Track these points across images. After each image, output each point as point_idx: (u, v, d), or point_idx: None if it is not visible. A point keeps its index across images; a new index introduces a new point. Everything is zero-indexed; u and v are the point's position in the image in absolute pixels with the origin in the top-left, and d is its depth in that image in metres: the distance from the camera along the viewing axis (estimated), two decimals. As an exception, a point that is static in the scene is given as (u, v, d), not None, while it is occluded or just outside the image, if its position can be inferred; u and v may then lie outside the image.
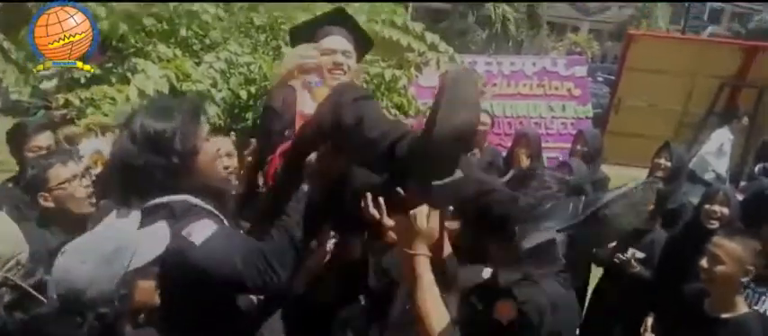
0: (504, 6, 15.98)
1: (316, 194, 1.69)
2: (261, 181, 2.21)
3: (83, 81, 3.34)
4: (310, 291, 2.17)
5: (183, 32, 3.60)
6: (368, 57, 4.38)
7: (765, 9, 30.89)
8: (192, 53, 3.59)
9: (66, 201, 2.40)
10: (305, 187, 1.68)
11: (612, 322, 3.44)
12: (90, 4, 3.09)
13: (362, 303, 2.39)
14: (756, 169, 6.41)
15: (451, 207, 1.77)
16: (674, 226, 3.48)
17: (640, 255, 3.32)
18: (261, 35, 3.84)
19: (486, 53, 11.43)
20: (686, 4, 18.54)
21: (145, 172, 1.60)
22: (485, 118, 4.73)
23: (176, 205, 1.63)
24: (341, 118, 1.57)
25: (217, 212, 1.70)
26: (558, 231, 1.52)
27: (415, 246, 1.55)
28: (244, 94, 3.26)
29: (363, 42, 2.65)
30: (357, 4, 4.02)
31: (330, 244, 2.17)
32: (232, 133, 3.56)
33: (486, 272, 2.00)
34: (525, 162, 4.20)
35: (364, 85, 4.06)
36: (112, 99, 2.93)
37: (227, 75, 3.23)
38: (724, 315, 2.47)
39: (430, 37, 3.96)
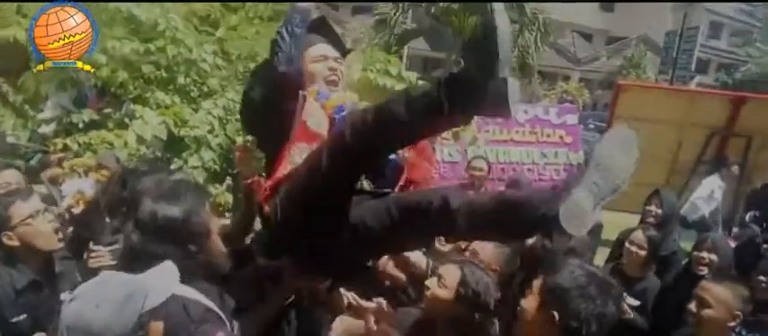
0: (496, 56, 16.25)
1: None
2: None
3: (81, 126, 3.38)
4: None
5: (181, 80, 3.67)
6: (364, 102, 4.47)
7: (751, 60, 31.63)
8: (190, 100, 3.65)
9: (31, 238, 2.29)
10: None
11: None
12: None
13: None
14: (747, 217, 6.47)
15: None
16: (667, 273, 3.49)
17: (634, 303, 3.32)
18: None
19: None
20: (674, 55, 18.97)
21: (159, 260, 1.56)
22: (482, 164, 4.80)
23: (191, 305, 1.57)
24: None
25: (222, 314, 1.67)
26: None
27: None
28: (240, 141, 3.30)
29: (341, 50, 2.62)
30: (352, 54, 4.12)
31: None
32: (228, 178, 3.61)
33: None
34: None
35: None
36: (110, 143, 2.97)
37: (224, 121, 3.28)
38: None
39: (424, 85, 4.04)
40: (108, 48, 3.25)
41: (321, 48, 2.42)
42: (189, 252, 1.61)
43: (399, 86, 3.90)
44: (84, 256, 2.47)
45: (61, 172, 2.92)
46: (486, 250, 2.66)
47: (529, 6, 18.11)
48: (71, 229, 2.77)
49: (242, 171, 2.37)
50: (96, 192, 2.76)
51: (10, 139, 8.32)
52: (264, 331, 2.05)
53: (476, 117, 6.58)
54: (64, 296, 2.39)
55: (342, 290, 2.25)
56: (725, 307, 2.44)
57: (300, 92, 2.17)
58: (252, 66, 3.84)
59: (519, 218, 1.76)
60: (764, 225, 6.14)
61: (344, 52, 2.67)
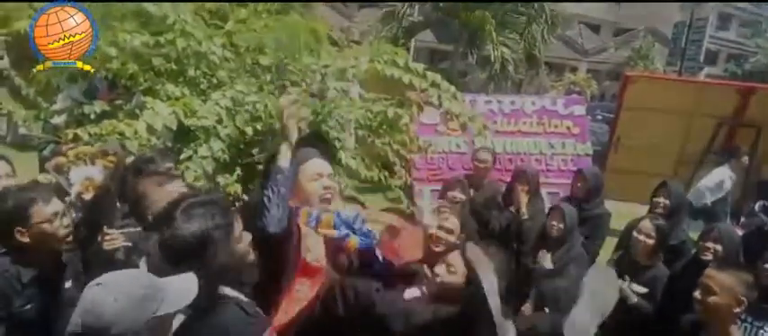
0: (503, 48, 16.22)
1: None
2: None
3: (92, 117, 3.41)
4: None
5: (191, 72, 3.69)
6: (371, 94, 4.48)
7: (761, 51, 31.36)
8: (200, 92, 3.67)
9: (44, 239, 2.33)
10: None
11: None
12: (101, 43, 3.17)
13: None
14: (756, 206, 6.46)
15: None
16: (676, 262, 3.50)
17: (641, 290, 3.34)
18: (266, 75, 3.93)
19: (486, 92, 11.59)
20: (683, 46, 18.83)
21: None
22: (486, 155, 4.80)
23: (242, 303, 1.74)
24: None
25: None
26: None
27: None
28: (249, 131, 3.32)
29: (333, 154, 2.70)
30: (360, 46, 4.15)
31: None
32: (237, 168, 3.64)
33: None
34: (524, 197, 4.24)
35: (368, 123, 4.14)
36: (121, 134, 2.98)
37: (233, 112, 3.29)
38: None
39: (431, 76, 4.05)
40: (119, 40, 3.26)
41: (316, 166, 2.50)
42: (214, 268, 1.68)
43: (406, 77, 3.90)
44: (99, 239, 2.55)
45: (65, 160, 2.92)
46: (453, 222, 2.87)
47: (536, -3, 18.03)
48: (78, 215, 2.82)
49: (287, 124, 2.33)
50: (105, 178, 2.80)
51: (22, 131, 8.42)
52: None
53: (484, 108, 6.59)
54: (67, 284, 2.48)
55: None
56: (730, 294, 2.46)
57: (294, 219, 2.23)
58: (260, 58, 3.87)
59: None
60: (773, 214, 6.13)
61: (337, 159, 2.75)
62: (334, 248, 2.30)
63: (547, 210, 4.71)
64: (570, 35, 31.10)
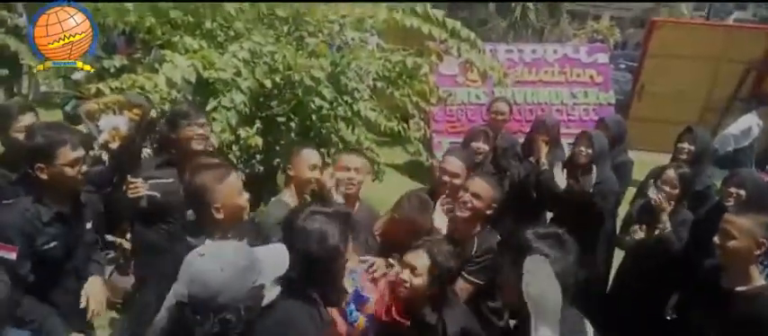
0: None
1: None
2: None
3: (112, 71, 3.42)
4: None
5: (207, 24, 3.66)
6: (389, 45, 4.42)
7: (793, -7, 30.11)
8: (217, 45, 3.65)
9: (61, 181, 2.39)
10: None
11: (634, 300, 3.47)
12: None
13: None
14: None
15: None
16: (700, 208, 3.47)
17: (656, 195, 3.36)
18: (284, 26, 3.89)
19: (507, 41, 11.35)
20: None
21: None
22: (504, 106, 4.71)
23: None
24: None
25: None
26: None
27: None
28: (268, 83, 3.31)
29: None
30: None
31: None
32: (257, 121, 3.65)
33: None
34: (543, 147, 4.18)
35: (386, 74, 4.09)
36: (142, 87, 3.00)
37: (252, 64, 3.28)
38: (739, 288, 2.49)
39: (450, 23, 3.96)
40: (136, -7, 3.24)
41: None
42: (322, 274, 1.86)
43: (425, 27, 3.82)
44: (123, 187, 2.73)
45: (97, 107, 2.98)
46: (478, 184, 2.80)
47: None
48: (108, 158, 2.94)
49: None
50: (131, 129, 2.88)
51: (43, 88, 8.52)
52: None
53: (504, 57, 6.44)
54: (88, 225, 2.60)
55: None
56: (749, 237, 2.45)
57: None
58: (276, 8, 3.82)
59: None
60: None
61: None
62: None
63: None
64: (594, -19, 30.14)
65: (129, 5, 3.46)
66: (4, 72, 6.94)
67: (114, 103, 2.93)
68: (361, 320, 2.30)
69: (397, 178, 3.92)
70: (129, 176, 2.79)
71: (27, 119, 2.90)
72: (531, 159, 4.26)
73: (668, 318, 3.07)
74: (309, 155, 2.92)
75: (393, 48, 4.28)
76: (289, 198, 2.88)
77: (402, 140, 4.95)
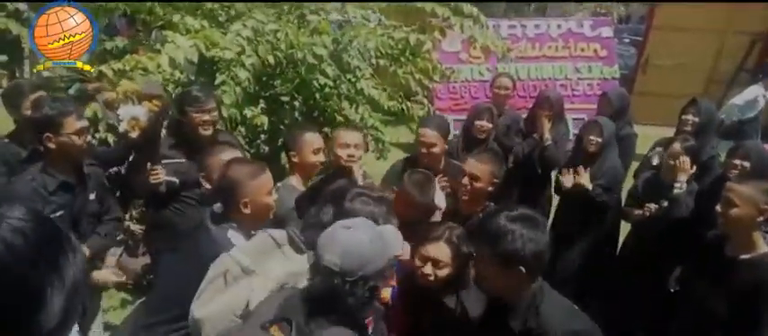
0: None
1: None
2: None
3: (114, 52, 3.42)
4: None
5: (208, 4, 3.64)
6: (392, 22, 4.38)
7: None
8: (219, 24, 3.63)
9: (68, 149, 2.54)
10: None
11: (640, 273, 3.50)
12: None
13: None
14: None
15: None
16: (705, 178, 3.47)
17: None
18: (285, 4, 3.86)
19: (509, 16, 11.25)
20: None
21: None
22: (507, 82, 4.69)
23: None
24: None
25: None
26: None
27: None
28: (271, 59, 3.30)
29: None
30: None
31: None
32: (261, 100, 3.64)
33: None
34: (547, 123, 4.17)
35: (388, 52, 4.07)
36: (144, 69, 2.99)
37: (255, 42, 3.26)
38: (743, 256, 2.51)
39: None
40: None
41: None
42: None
43: (428, 4, 3.79)
44: (145, 173, 2.93)
45: (116, 96, 3.06)
46: (473, 165, 2.81)
47: None
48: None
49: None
50: (150, 120, 3.01)
51: (45, 73, 8.47)
52: None
53: (507, 32, 6.38)
54: (91, 196, 2.74)
55: None
56: (751, 204, 2.47)
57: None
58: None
59: None
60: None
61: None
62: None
63: (571, 136, 4.66)
64: (597, -46, 29.72)
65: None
66: (4, 58, 6.92)
67: (133, 93, 3.01)
68: (386, 291, 2.30)
69: (401, 156, 3.94)
70: (148, 164, 2.94)
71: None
72: (535, 135, 4.25)
73: (671, 290, 3.09)
74: (312, 140, 2.93)
75: (395, 25, 4.25)
76: (296, 183, 2.91)
77: (406, 119, 4.94)
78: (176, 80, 3.30)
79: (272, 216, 2.30)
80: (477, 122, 3.98)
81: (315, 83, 3.59)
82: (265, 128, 3.48)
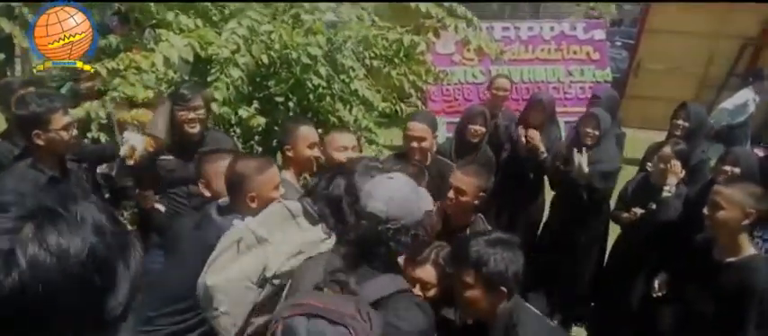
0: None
1: None
2: None
3: (108, 51, 3.41)
4: None
5: (202, 4, 3.63)
6: (386, 22, 4.40)
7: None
8: (213, 24, 3.62)
9: (56, 145, 2.61)
10: None
11: (630, 272, 3.53)
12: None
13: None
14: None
15: None
16: (694, 183, 3.50)
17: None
18: (279, 4, 3.86)
19: (503, 18, 11.29)
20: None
21: None
22: (505, 83, 4.70)
23: None
24: None
25: None
26: None
27: None
28: (265, 58, 3.29)
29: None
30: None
31: None
32: (254, 101, 3.64)
33: None
34: (537, 137, 4.17)
35: (383, 52, 4.08)
36: (138, 68, 2.98)
37: (249, 41, 3.26)
38: (729, 259, 2.54)
39: (447, 2, 3.94)
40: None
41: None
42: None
43: (423, 5, 3.81)
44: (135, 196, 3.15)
45: (127, 118, 3.17)
46: (458, 179, 2.79)
47: None
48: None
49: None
50: (144, 155, 3.07)
51: (37, 71, 8.43)
52: None
53: (500, 34, 6.38)
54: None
55: None
56: (737, 207, 2.51)
57: None
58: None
59: None
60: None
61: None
62: None
63: (562, 138, 4.67)
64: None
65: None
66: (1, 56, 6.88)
67: (140, 123, 3.12)
68: None
69: (394, 158, 3.98)
70: (138, 190, 3.16)
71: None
72: (525, 142, 4.24)
73: (655, 295, 3.12)
74: (307, 134, 2.90)
75: (389, 27, 4.26)
76: (290, 177, 2.88)
77: (399, 121, 4.94)
78: (170, 79, 3.29)
79: None
80: (471, 126, 3.96)
81: (309, 83, 3.58)
82: (260, 128, 3.48)
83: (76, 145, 2.80)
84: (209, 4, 3.68)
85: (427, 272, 2.25)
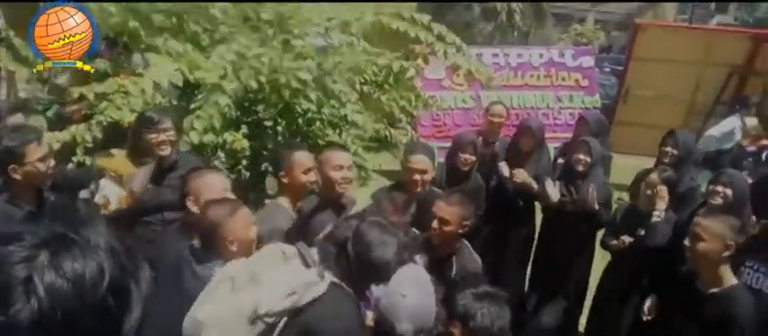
0: (510, -2, 15.91)
1: None
2: None
3: (95, 75, 3.38)
4: None
5: (192, 28, 3.63)
6: (376, 48, 4.41)
7: (773, -3, 30.53)
8: (201, 48, 3.61)
9: (33, 177, 2.53)
10: None
11: (619, 299, 3.51)
12: (93, 3, 3.12)
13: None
14: (764, 155, 6.40)
15: None
16: (684, 209, 3.50)
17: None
18: (269, 29, 3.86)
19: (492, 44, 11.40)
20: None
21: None
22: (501, 110, 4.68)
23: None
24: None
25: None
26: None
27: None
28: (253, 83, 3.28)
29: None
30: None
31: None
32: (243, 126, 3.61)
33: None
34: (523, 174, 4.15)
35: (372, 78, 4.09)
36: (125, 93, 2.96)
37: (238, 67, 3.25)
38: (712, 290, 2.57)
39: (436, 28, 3.96)
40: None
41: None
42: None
43: (412, 30, 3.82)
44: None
45: (109, 167, 3.05)
46: (442, 209, 2.80)
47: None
48: None
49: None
50: (116, 209, 2.95)
51: (22, 94, 8.39)
52: None
53: (490, 61, 6.44)
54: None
55: None
56: (717, 238, 2.53)
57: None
58: (261, 11, 3.79)
59: None
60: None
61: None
62: None
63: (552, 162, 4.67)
64: (578, -15, 30.33)
65: (112, 9, 3.42)
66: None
67: (120, 173, 3.01)
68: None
69: (383, 184, 3.91)
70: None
71: (17, 120, 2.95)
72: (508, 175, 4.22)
73: (644, 319, 3.11)
74: (302, 160, 2.83)
75: (379, 52, 4.28)
76: (286, 204, 2.83)
77: (388, 145, 4.94)
78: (157, 104, 3.27)
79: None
80: (462, 155, 3.91)
81: (298, 107, 3.57)
82: (247, 153, 3.45)
83: (55, 175, 2.71)
84: (198, 28, 3.68)
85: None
